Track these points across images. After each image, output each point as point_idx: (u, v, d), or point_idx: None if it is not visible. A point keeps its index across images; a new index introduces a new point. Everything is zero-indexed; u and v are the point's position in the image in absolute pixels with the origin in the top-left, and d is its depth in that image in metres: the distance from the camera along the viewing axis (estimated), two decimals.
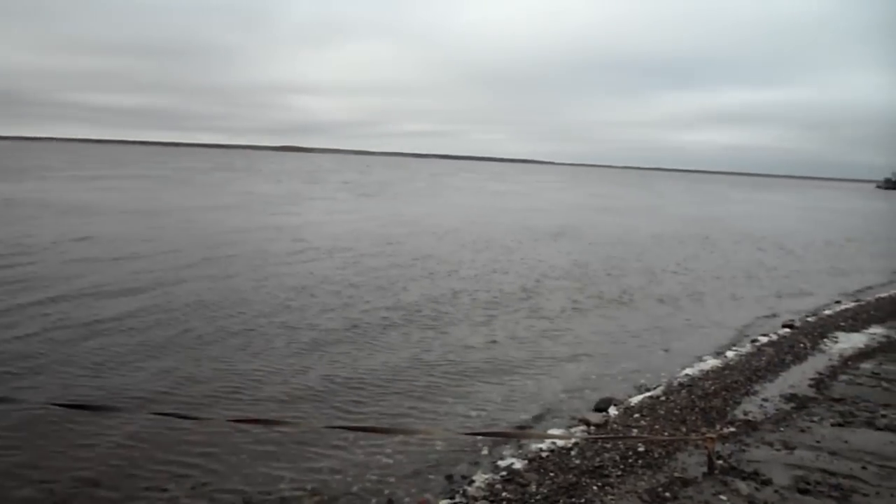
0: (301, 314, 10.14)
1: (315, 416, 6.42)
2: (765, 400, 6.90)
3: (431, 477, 5.35)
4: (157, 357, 7.88)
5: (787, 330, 10.60)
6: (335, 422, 6.19)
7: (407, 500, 5.00)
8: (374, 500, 4.97)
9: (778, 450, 5.43)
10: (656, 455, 5.41)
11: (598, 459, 5.44)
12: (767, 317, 11.78)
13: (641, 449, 5.56)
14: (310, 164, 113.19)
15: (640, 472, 5.13)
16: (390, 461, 5.55)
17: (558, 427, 6.49)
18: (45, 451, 5.45)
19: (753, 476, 4.91)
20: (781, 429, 5.93)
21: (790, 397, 6.95)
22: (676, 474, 5.00)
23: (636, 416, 6.60)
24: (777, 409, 6.58)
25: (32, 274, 12.04)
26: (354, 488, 5.11)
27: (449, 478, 5.35)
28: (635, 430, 6.15)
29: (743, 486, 4.73)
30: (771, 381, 7.60)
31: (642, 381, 7.96)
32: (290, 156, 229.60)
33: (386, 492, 5.08)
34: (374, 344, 8.82)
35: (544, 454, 5.73)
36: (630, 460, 5.36)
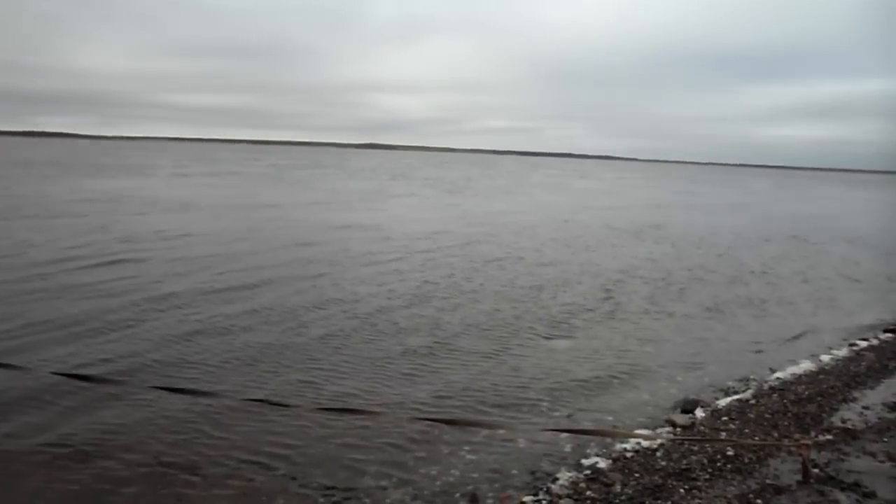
0: (387, 311, 10.26)
1: (399, 409, 6.50)
2: (865, 407, 6.52)
3: (514, 473, 5.31)
4: (248, 347, 8.15)
5: (891, 335, 9.97)
6: (419, 414, 6.23)
7: (490, 495, 4.97)
8: (457, 495, 4.98)
9: (882, 461, 5.12)
10: (746, 460, 5.20)
11: (684, 462, 5.28)
12: (867, 320, 11.14)
13: (731, 453, 5.35)
14: (393, 161, 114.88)
15: (729, 476, 4.94)
16: (473, 456, 5.55)
17: (643, 427, 6.33)
18: (141, 432, 5.72)
19: (854, 487, 4.65)
20: (885, 439, 5.59)
21: (895, 406, 6.55)
22: (768, 481, 4.79)
23: (724, 419, 6.37)
24: (880, 418, 6.21)
25: (143, 271, 12.63)
26: (438, 482, 5.13)
27: (532, 474, 5.30)
28: (724, 434, 5.93)
29: (843, 498, 4.49)
30: (872, 387, 7.19)
31: (729, 383, 7.67)
32: (373, 153, 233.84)
33: (469, 486, 5.07)
34: (456, 341, 8.83)
35: (629, 454, 5.60)
36: (718, 464, 5.18)
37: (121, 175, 43.97)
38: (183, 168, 58.86)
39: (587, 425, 6.24)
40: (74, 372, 6.42)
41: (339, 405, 6.28)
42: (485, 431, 5.86)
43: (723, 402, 6.96)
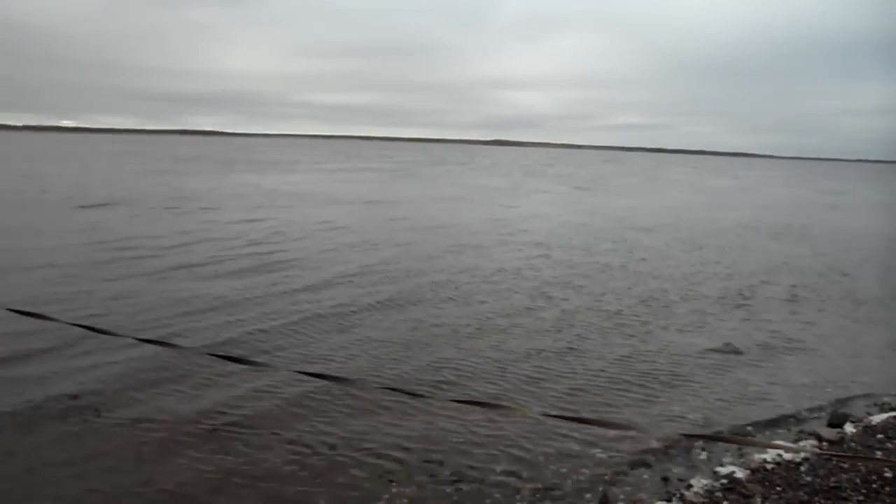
0: (526, 308, 10.24)
1: (531, 404, 6.48)
2: None
3: (646, 476, 5.16)
4: (384, 337, 8.41)
5: None
6: (551, 411, 6.19)
7: (622, 497, 4.86)
8: (588, 496, 4.90)
9: None
10: None
11: (833, 479, 4.92)
12: None
13: (888, 475, 4.93)
14: (524, 158, 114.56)
15: (887, 500, 4.56)
16: (604, 456, 5.44)
17: (784, 439, 5.96)
18: (282, 413, 6.04)
19: None
20: None
21: None
22: None
23: (879, 436, 5.87)
24: None
25: (294, 263, 13.26)
26: (568, 481, 5.07)
27: (665, 480, 5.13)
28: (879, 453, 5.47)
29: None
30: None
31: (885, 399, 7.06)
32: (501, 149, 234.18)
33: (600, 488, 4.98)
34: (588, 339, 8.68)
35: (769, 466, 5.29)
36: (874, 485, 4.78)
37: (269, 170, 46.79)
38: (322, 164, 61.70)
39: (723, 432, 5.97)
40: (223, 353, 6.88)
41: (470, 398, 6.34)
42: (615, 432, 5.73)
43: (877, 418, 6.41)
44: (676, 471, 5.24)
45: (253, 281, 11.28)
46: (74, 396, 6.17)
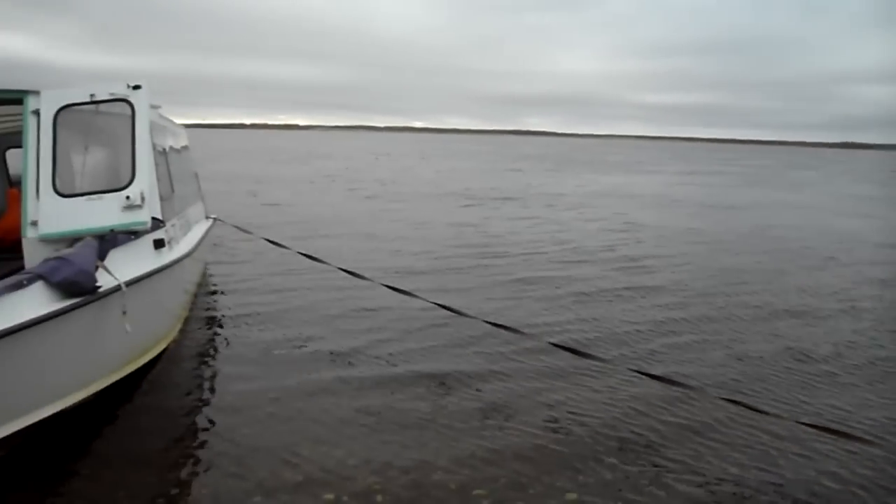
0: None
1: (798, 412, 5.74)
2: None
3: None
4: (723, 345, 7.91)
5: None
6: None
7: None
8: None
9: None
10: None
11: None
12: None
13: None
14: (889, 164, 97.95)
15: None
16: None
17: None
18: (612, 407, 5.97)
19: None
20: None
21: None
22: None
23: None
24: None
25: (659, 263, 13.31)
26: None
27: None
28: None
29: None
30: None
31: None
32: (850, 153, 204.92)
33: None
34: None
35: None
36: None
37: (612, 172, 47.31)
38: (660, 166, 60.03)
39: None
40: (566, 344, 7.08)
41: (819, 423, 5.64)
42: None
43: None
44: None
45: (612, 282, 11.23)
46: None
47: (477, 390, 6.24)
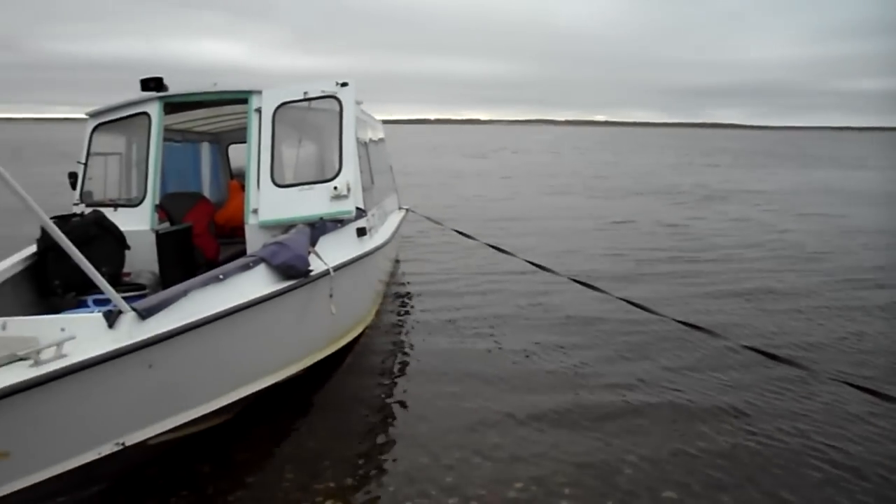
0: None
1: None
2: None
3: None
4: None
5: None
6: None
7: None
8: None
9: None
10: None
11: None
12: None
13: None
14: None
15: None
16: None
17: None
18: (814, 417, 5.40)
19: None
20: None
21: None
22: None
23: None
24: None
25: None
26: None
27: None
28: None
29: None
30: None
31: None
32: None
33: None
34: None
35: None
36: None
37: (821, 166, 43.23)
38: (874, 160, 53.64)
39: None
40: (765, 350, 6.54)
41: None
42: None
43: None
44: None
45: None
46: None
47: (674, 390, 5.97)
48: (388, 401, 5.78)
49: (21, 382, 2.85)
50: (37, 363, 3.02)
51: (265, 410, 5.18)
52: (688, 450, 4.86)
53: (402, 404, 5.70)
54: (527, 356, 6.81)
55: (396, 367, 6.60)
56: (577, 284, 8.10)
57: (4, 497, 3.04)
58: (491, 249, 9.88)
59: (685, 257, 12.17)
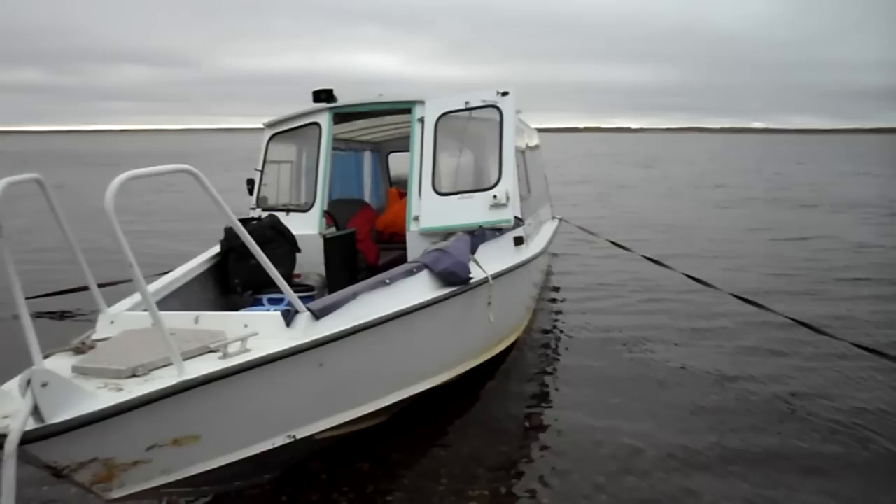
0: None
1: None
2: None
3: None
4: None
5: None
6: None
7: None
8: None
9: None
10: None
11: None
12: None
13: None
14: None
15: None
16: None
17: None
18: None
19: None
20: None
21: None
22: None
23: None
24: None
25: None
26: None
27: None
28: None
29: None
30: None
31: None
32: None
33: None
34: None
35: None
36: None
37: None
38: None
39: None
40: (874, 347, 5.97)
41: None
42: None
43: None
44: None
45: None
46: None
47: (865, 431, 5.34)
48: (540, 416, 5.68)
49: (214, 372, 3.07)
50: (225, 356, 3.24)
51: (420, 414, 5.26)
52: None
53: (555, 420, 5.55)
54: (681, 385, 6.27)
55: (548, 382, 6.46)
56: (748, 305, 7.52)
57: (193, 476, 3.28)
58: (648, 262, 9.52)
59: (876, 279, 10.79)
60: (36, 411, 2.51)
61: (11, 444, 2.38)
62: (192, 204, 19.92)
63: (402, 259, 6.14)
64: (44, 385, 2.51)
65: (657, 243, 13.45)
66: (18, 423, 2.44)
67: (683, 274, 8.62)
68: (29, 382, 2.49)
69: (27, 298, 2.82)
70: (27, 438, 2.46)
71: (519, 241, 6.25)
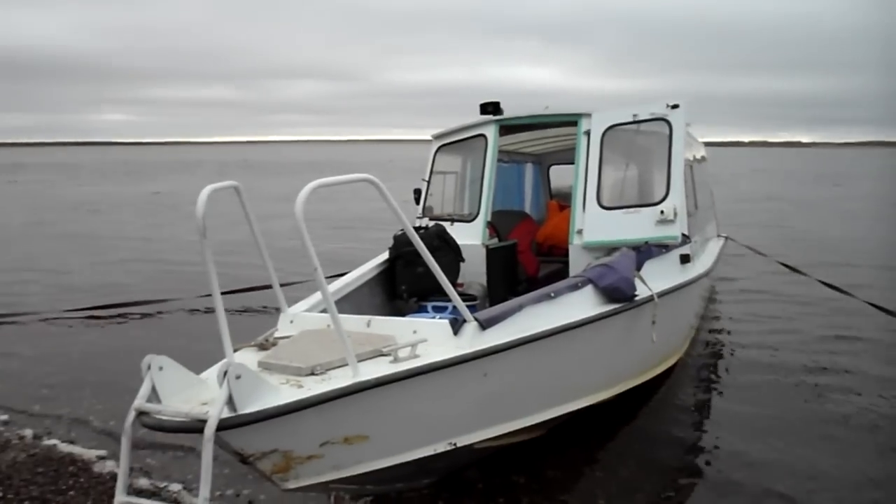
0: None
1: None
2: None
3: None
4: None
5: None
6: None
7: None
8: None
9: None
10: None
11: None
12: None
13: None
14: None
15: None
16: None
17: None
18: None
19: None
20: None
21: None
22: None
23: None
24: None
25: None
26: None
27: None
28: None
29: None
30: None
31: None
32: None
33: None
34: None
35: None
36: None
37: None
38: None
39: None
40: None
41: None
42: None
43: None
44: None
45: None
46: None
47: None
48: (700, 443, 5.37)
49: (387, 376, 3.16)
50: (396, 360, 3.33)
51: (576, 431, 5.13)
52: None
53: (716, 449, 5.23)
54: (855, 428, 5.57)
55: (709, 409, 6.11)
56: None
57: (360, 475, 3.39)
58: (823, 287, 8.72)
59: None
60: (230, 401, 2.70)
61: (210, 429, 2.59)
62: (345, 213, 20.82)
63: (563, 272, 6.03)
64: (238, 377, 2.71)
65: (843, 269, 11.98)
66: (216, 410, 2.64)
67: (871, 304, 7.76)
68: (225, 374, 2.69)
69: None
70: (222, 425, 2.66)
71: (685, 258, 5.95)
